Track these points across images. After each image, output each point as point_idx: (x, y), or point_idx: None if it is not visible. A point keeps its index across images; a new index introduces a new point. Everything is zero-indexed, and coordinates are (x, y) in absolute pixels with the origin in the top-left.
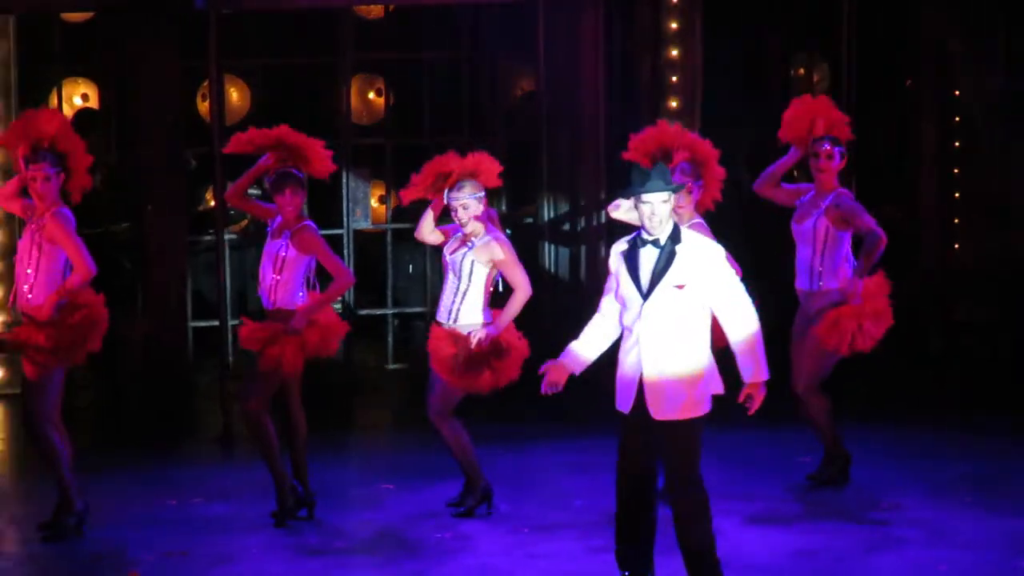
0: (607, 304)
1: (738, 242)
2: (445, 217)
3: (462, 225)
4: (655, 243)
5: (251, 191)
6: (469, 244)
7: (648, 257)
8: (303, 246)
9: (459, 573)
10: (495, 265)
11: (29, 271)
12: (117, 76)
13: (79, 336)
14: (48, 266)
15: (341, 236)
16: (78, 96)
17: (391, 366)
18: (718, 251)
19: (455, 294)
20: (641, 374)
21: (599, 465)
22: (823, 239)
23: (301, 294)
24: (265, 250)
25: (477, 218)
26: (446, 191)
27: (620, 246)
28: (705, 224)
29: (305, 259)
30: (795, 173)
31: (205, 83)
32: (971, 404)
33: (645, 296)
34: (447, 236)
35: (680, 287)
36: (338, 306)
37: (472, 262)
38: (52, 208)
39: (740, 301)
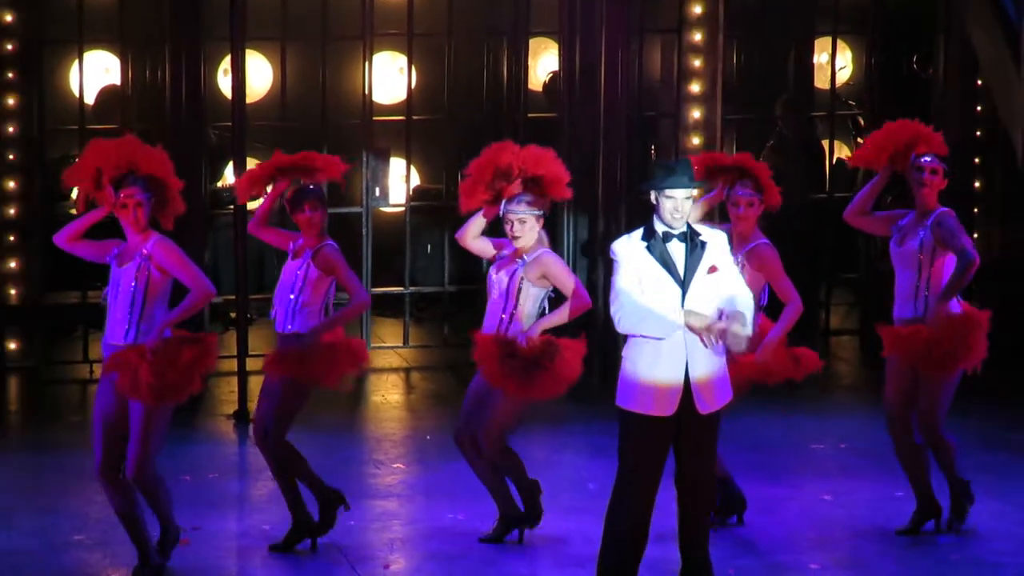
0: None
1: None
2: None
3: (514, 240)
4: (680, 237)
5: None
6: (519, 262)
7: (678, 250)
8: (325, 265)
9: (471, 554)
10: (547, 280)
11: (134, 310)
12: (139, 49)
13: (185, 377)
14: (156, 297)
15: (360, 215)
16: (101, 69)
17: (407, 346)
18: (724, 236)
19: (501, 315)
20: (690, 372)
21: (613, 448)
22: (930, 259)
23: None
24: (284, 272)
25: (532, 235)
26: (503, 201)
27: (635, 244)
28: (771, 245)
29: (327, 281)
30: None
31: (227, 58)
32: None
33: (684, 287)
34: (497, 250)
35: (713, 270)
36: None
37: (522, 280)
38: (151, 236)
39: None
